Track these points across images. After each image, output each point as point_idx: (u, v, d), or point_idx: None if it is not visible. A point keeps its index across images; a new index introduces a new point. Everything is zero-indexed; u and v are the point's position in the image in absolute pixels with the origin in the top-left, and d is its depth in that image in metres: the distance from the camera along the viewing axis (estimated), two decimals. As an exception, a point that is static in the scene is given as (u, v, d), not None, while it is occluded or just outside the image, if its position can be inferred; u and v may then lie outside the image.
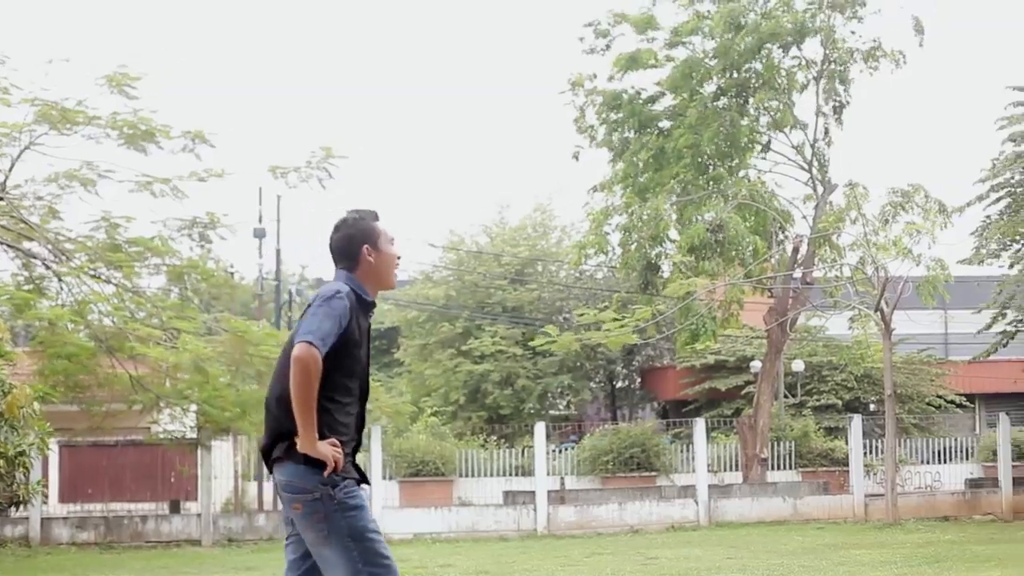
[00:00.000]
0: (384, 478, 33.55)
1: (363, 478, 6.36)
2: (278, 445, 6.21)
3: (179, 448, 29.42)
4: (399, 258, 6.66)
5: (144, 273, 23.97)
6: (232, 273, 37.99)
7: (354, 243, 6.44)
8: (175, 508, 31.54)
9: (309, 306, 6.22)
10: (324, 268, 78.41)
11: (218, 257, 25.60)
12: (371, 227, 6.50)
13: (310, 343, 5.96)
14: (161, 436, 28.92)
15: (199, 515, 29.63)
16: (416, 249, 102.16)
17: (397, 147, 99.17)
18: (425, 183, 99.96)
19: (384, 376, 50.65)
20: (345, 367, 6.17)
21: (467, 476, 37.92)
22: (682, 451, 38.79)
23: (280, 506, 6.65)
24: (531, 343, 34.79)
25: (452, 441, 40.16)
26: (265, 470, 36.93)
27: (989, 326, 33.68)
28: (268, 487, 37.49)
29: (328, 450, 6.05)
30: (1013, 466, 33.77)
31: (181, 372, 23.64)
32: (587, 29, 35.03)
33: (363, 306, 6.36)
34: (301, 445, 6.01)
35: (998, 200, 30.52)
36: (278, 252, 41.35)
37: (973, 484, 36.38)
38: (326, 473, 6.04)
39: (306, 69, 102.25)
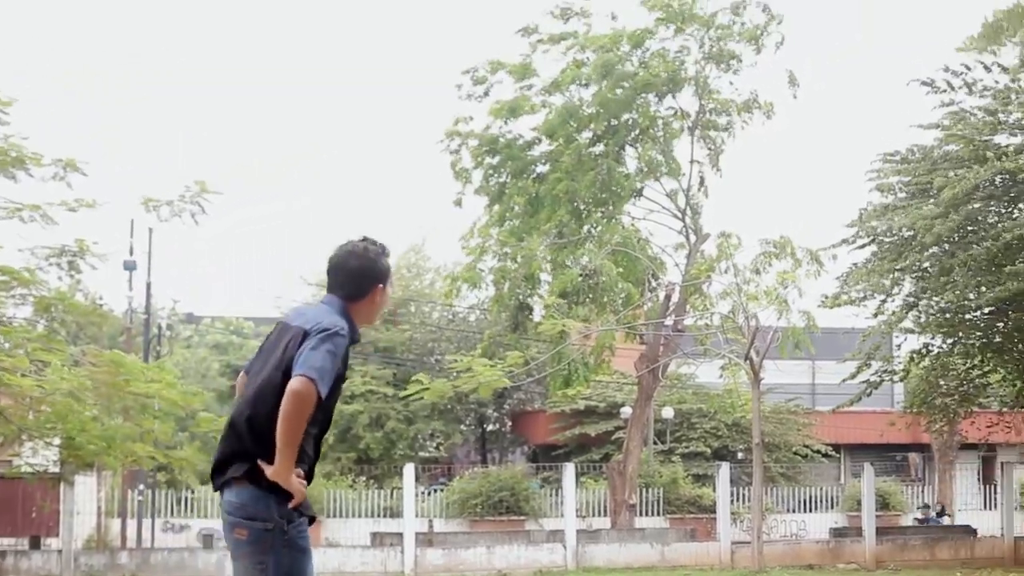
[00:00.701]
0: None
1: (312, 516, 6.21)
2: (236, 464, 5.99)
3: (41, 482, 28.85)
4: None
5: (10, 304, 23.51)
6: (101, 305, 37.43)
7: (368, 279, 6.28)
8: (35, 544, 30.88)
9: (305, 334, 5.96)
10: (195, 303, 77.50)
11: (87, 289, 25.22)
12: (387, 266, 6.38)
13: (312, 380, 5.76)
14: (23, 470, 28.32)
15: (60, 551, 29.01)
16: (290, 285, 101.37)
17: (275, 181, 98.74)
18: (300, 218, 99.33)
19: (253, 414, 49.97)
20: (322, 400, 5.93)
21: (335, 516, 37.71)
22: (551, 495, 38.86)
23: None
24: (404, 392, 34.93)
25: (320, 481, 39.88)
26: (133, 495, 36.39)
27: (854, 375, 34.12)
28: (132, 524, 36.91)
29: (298, 485, 5.89)
30: (876, 516, 34.22)
31: (45, 404, 23.18)
32: (465, 76, 35.04)
33: (352, 342, 6.17)
34: (275, 473, 5.80)
35: (863, 246, 30.98)
36: (148, 286, 40.84)
37: (837, 533, 36.81)
38: (295, 503, 5.88)
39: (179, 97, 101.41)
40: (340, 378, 6.09)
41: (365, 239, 6.40)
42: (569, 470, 33.17)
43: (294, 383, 5.74)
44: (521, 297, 34.98)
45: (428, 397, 31.93)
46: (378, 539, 32.81)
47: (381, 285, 6.31)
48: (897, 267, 30.09)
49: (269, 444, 5.82)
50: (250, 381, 6.17)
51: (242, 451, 5.97)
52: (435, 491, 41.05)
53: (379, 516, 37.83)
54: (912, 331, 32.72)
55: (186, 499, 39.02)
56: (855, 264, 31.30)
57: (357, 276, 6.28)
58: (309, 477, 6.10)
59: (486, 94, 35.11)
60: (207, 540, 32.45)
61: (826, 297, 31.48)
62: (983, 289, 28.34)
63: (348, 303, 6.24)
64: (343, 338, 6.00)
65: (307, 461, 6.06)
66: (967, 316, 31.05)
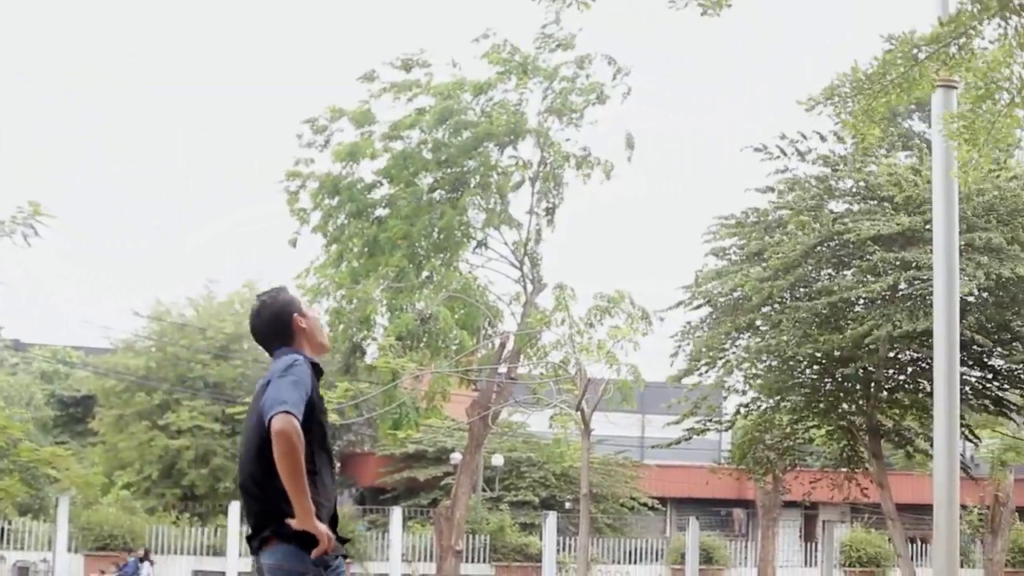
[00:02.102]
0: (69, 550, 32.51)
1: (344, 553, 6.26)
2: (267, 526, 6.04)
3: None
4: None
5: None
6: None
7: (283, 317, 6.43)
8: None
9: (267, 383, 6.10)
10: (21, 329, 75.97)
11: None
12: (291, 297, 6.55)
13: (287, 412, 5.83)
14: None
15: None
16: (119, 316, 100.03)
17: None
18: (135, 254, 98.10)
19: (77, 446, 49.15)
20: (316, 435, 6.08)
21: (157, 553, 37.15)
22: (377, 539, 38.72)
23: None
24: (229, 411, 34.62)
25: (143, 516, 39.30)
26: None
27: (678, 422, 34.52)
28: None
29: (324, 528, 5.91)
30: (700, 569, 34.63)
31: None
32: (305, 125, 34.83)
33: (316, 373, 6.30)
34: (299, 521, 5.84)
35: (699, 307, 31.45)
36: (-26, 311, 40.03)
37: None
38: (318, 552, 5.90)
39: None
40: (319, 409, 6.22)
41: (257, 296, 6.65)
42: (396, 514, 33.15)
43: (272, 425, 5.83)
44: (355, 339, 34.86)
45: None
46: (200, 577, 32.41)
47: (296, 313, 6.47)
48: (731, 327, 30.58)
49: (280, 494, 5.88)
50: (243, 446, 6.31)
51: (266, 513, 6.04)
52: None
53: (202, 554, 37.36)
54: (741, 391, 33.19)
55: (2, 530, 38.13)
56: (688, 323, 31.72)
57: (273, 322, 6.46)
58: (334, 520, 6.19)
59: (326, 143, 34.93)
60: (22, 572, 31.75)
61: (680, 371, 31.86)
62: (809, 348, 28.91)
63: (290, 347, 6.39)
64: (300, 366, 6.14)
65: (327, 505, 6.13)
66: (795, 374, 31.63)
